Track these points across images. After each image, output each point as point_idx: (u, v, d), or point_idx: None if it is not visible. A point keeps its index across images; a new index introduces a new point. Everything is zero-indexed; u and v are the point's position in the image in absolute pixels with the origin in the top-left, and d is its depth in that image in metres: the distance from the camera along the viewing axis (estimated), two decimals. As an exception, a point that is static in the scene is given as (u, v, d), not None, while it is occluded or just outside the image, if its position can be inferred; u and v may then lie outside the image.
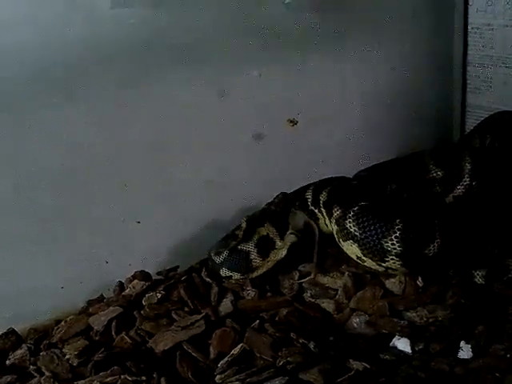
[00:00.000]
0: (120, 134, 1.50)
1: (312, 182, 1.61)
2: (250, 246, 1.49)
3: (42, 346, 1.35)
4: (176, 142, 1.58)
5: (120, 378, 1.18)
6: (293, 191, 1.60)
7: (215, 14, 1.56)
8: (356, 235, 1.35)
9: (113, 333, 1.34)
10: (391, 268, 1.34)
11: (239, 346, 1.22)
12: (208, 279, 1.49)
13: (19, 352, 1.33)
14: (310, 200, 1.55)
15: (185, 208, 1.62)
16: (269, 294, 1.44)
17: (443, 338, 1.23)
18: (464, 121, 2.11)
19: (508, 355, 1.16)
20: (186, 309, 1.39)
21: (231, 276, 1.49)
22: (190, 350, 1.25)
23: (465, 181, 1.55)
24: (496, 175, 1.54)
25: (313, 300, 1.40)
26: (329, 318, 1.35)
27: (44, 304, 1.46)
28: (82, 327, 1.38)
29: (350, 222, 1.37)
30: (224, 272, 1.50)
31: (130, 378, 1.17)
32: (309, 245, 1.46)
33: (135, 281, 1.50)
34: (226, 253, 1.50)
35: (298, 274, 1.47)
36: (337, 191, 1.49)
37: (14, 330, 1.40)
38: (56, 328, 1.41)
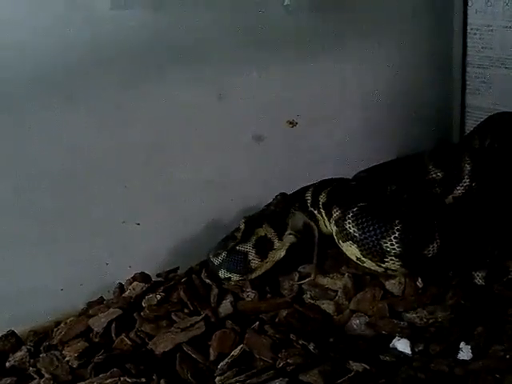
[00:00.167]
0: (120, 135, 1.50)
1: (312, 182, 1.61)
2: (248, 247, 1.49)
3: (41, 348, 1.35)
4: (176, 143, 1.58)
5: (120, 379, 1.18)
6: (292, 193, 1.60)
7: (215, 15, 1.56)
8: (355, 236, 1.35)
9: (113, 334, 1.34)
10: (391, 269, 1.34)
11: (239, 348, 1.22)
12: (208, 281, 1.49)
13: (19, 354, 1.33)
14: (309, 201, 1.55)
15: (185, 208, 1.62)
16: (269, 295, 1.44)
17: (443, 339, 1.23)
18: (464, 122, 2.11)
19: (508, 356, 1.16)
20: (186, 310, 1.39)
21: (230, 277, 1.49)
22: (189, 352, 1.25)
23: (464, 182, 1.55)
24: (496, 176, 1.54)
25: (313, 301, 1.40)
26: (329, 319, 1.35)
27: (44, 305, 1.45)
28: (81, 329, 1.37)
29: (349, 223, 1.37)
30: (223, 273, 1.50)
31: (129, 380, 1.17)
32: (308, 246, 1.46)
33: (135, 282, 1.49)
34: (224, 254, 1.50)
35: (297, 275, 1.47)
36: (336, 192, 1.49)
37: (13, 331, 1.39)
38: (56, 330, 1.41)
